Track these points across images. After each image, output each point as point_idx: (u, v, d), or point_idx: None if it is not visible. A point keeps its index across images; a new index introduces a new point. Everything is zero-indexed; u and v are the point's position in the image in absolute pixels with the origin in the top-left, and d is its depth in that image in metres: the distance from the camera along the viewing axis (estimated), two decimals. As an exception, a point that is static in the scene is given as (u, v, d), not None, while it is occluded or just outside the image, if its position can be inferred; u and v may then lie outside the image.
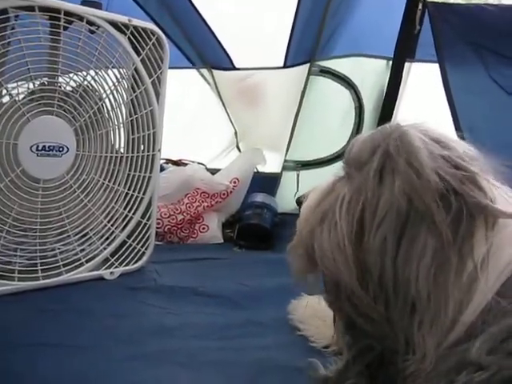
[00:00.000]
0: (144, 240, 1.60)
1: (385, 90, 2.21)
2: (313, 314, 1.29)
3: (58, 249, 1.42)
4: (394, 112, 2.22)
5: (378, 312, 0.73)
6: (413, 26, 2.06)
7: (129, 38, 1.47)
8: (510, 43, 1.97)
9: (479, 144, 2.10)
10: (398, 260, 0.72)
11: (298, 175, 2.40)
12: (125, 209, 1.55)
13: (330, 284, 0.81)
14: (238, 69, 2.41)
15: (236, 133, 2.50)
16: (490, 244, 0.71)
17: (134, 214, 1.56)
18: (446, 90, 2.01)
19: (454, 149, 0.78)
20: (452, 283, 0.69)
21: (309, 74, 2.29)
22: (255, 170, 2.35)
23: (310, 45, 2.24)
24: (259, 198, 2.28)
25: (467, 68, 2.00)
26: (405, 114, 2.23)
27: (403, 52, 2.13)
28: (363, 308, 0.74)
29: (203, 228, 2.14)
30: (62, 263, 1.42)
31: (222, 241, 2.18)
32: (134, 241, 1.57)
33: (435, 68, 2.09)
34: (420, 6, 2.02)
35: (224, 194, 2.19)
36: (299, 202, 0.99)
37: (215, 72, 2.46)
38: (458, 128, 2.00)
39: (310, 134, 2.34)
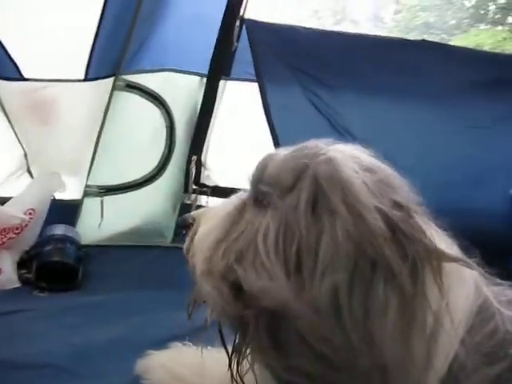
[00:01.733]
0: None
1: (199, 109, 2.12)
2: (171, 375, 1.13)
3: None
4: (209, 131, 2.16)
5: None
6: (230, 43, 2.02)
7: None
8: (320, 66, 2.04)
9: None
10: (356, 317, 0.63)
11: (101, 202, 2.17)
12: None
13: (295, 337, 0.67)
14: (28, 79, 2.08)
15: (26, 154, 2.15)
16: (444, 291, 0.67)
17: None
18: (265, 109, 2.01)
19: (387, 179, 0.73)
20: (418, 339, 0.64)
21: (113, 88, 2.07)
22: (52, 198, 2.06)
23: (115, 56, 2.03)
24: (59, 229, 2.00)
25: (285, 87, 2.02)
26: (220, 133, 2.18)
27: (218, 69, 2.08)
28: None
29: (-5, 272, 1.80)
30: None
31: (19, 284, 1.86)
32: None
33: (252, 86, 2.08)
34: (238, 23, 1.98)
35: (17, 229, 1.87)
36: (185, 225, 0.87)
37: (-2, 82, 2.10)
38: (276, 146, 2.01)
39: (115, 155, 2.14)
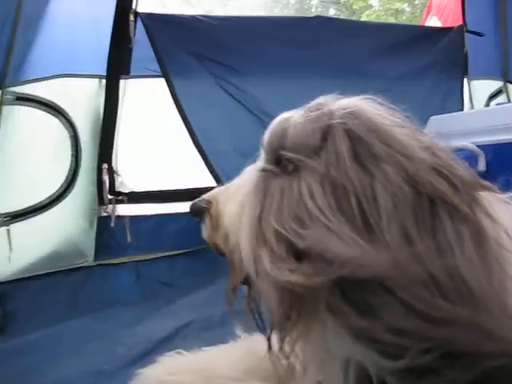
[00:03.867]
0: None
1: (102, 112, 2.02)
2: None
3: None
4: (116, 133, 2.06)
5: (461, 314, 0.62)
6: (126, 39, 1.94)
7: None
8: (226, 52, 2.05)
9: (217, 151, 2.10)
10: (432, 256, 0.64)
11: (8, 231, 1.98)
12: None
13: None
14: None
15: None
16: (494, 218, 0.69)
17: None
18: (175, 102, 1.98)
19: (407, 124, 0.75)
20: (494, 265, 0.66)
21: (1, 103, 1.90)
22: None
23: (-2, 67, 1.86)
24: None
25: (194, 78, 2.01)
26: (127, 135, 2.09)
27: (117, 68, 1.99)
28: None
29: None
30: None
31: None
32: None
33: (154, 82, 2.04)
34: (132, 18, 1.91)
35: None
36: (199, 211, 0.84)
37: None
38: (194, 139, 1.99)
39: (15, 177, 1.96)
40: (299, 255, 0.69)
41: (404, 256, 0.64)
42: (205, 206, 0.83)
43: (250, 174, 0.81)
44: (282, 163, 0.75)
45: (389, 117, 0.74)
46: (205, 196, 0.84)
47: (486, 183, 0.77)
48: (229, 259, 0.81)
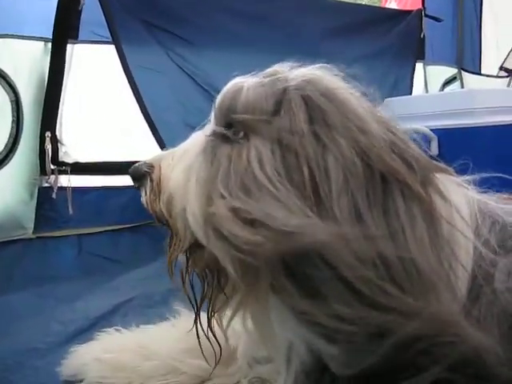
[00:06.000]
0: None
1: (46, 77, 1.92)
2: (113, 367, 1.02)
3: None
4: (61, 100, 1.97)
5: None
6: (75, 1, 1.84)
7: None
8: (179, 23, 2.00)
9: (166, 123, 2.05)
10: (382, 232, 0.63)
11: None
12: None
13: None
14: None
15: None
16: (447, 199, 0.70)
17: None
18: (125, 71, 1.92)
19: (363, 98, 0.75)
20: (443, 244, 0.67)
21: None
22: None
23: None
24: None
25: (146, 47, 1.96)
26: (72, 103, 2.00)
27: (64, 32, 1.89)
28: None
29: None
30: None
31: None
32: None
33: (103, 49, 1.96)
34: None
35: None
36: (139, 175, 0.80)
37: None
38: (143, 109, 1.93)
39: None
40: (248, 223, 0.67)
41: (352, 231, 0.62)
42: (146, 170, 0.79)
43: (197, 138, 0.78)
44: (232, 128, 0.73)
45: (346, 88, 0.73)
46: (147, 160, 0.81)
47: (442, 165, 0.76)
48: (172, 226, 0.78)
